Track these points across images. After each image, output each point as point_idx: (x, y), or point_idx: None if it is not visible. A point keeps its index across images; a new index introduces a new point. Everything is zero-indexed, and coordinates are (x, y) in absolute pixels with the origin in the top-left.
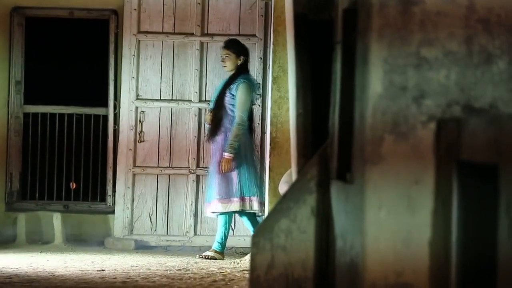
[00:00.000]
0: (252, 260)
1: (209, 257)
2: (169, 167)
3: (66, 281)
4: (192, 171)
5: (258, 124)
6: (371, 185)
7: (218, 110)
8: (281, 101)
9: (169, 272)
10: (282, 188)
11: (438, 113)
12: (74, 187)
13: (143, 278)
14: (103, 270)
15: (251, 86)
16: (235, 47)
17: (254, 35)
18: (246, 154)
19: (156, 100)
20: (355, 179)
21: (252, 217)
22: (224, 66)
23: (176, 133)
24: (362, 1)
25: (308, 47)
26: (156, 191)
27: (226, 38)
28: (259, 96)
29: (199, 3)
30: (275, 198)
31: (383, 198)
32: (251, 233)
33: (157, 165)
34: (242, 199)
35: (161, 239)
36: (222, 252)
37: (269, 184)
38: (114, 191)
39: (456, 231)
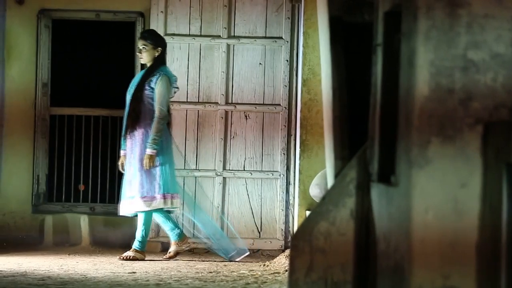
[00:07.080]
0: (291, 263)
1: (130, 258)
2: (196, 169)
3: (99, 283)
4: (219, 174)
5: (285, 126)
6: (418, 188)
7: (137, 104)
8: (311, 104)
9: (200, 275)
10: (313, 190)
11: (485, 115)
12: (82, 188)
13: (175, 280)
14: (134, 273)
15: (170, 79)
16: (152, 38)
17: (280, 37)
18: (167, 149)
19: (183, 102)
20: (400, 181)
21: (165, 213)
22: (141, 58)
23: (202, 135)
24: (407, 4)
25: (343, 49)
26: (182, 193)
27: (253, 40)
28: (177, 89)
29: (225, 6)
30: (305, 200)
31: (429, 201)
32: (166, 229)
33: (183, 167)
34: (164, 197)
35: (187, 241)
36: (143, 251)
37: (299, 187)
38: None
39: (506, 234)
